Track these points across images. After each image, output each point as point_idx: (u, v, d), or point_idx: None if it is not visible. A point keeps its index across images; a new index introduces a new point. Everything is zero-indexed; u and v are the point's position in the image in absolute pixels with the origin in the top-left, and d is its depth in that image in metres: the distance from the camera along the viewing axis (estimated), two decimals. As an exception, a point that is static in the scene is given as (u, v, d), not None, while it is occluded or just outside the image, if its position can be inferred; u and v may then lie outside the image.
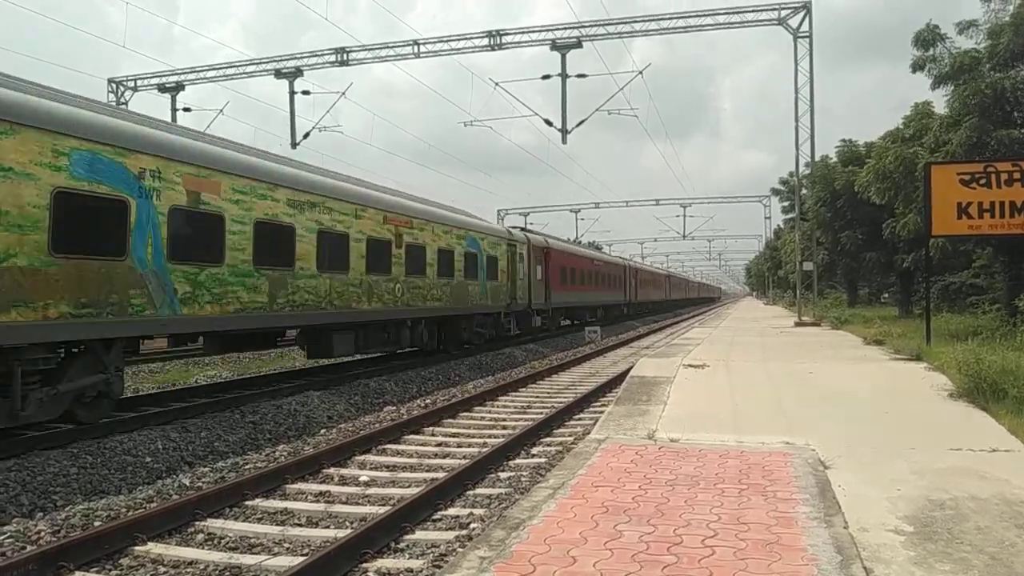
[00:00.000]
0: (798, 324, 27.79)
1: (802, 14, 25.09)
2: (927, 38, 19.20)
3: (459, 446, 9.34)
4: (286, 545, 5.77)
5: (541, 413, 11.34)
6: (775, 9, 25.12)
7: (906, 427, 7.49)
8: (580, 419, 10.86)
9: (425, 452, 9.04)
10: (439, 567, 4.90)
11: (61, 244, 8.07)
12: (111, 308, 8.68)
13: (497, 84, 26.78)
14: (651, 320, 46.16)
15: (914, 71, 19.63)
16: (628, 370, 12.97)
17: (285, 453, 9.00)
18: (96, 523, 6.19)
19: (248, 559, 5.41)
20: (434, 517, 6.33)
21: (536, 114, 26.74)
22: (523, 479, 7.43)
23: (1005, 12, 17.87)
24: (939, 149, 18.81)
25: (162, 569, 5.27)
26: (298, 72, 28.42)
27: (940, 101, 20.53)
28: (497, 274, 21.80)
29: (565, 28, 25.61)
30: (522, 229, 28.83)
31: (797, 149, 27.11)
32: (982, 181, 14.94)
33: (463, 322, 19.81)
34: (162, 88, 30.12)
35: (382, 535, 5.63)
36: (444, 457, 8.75)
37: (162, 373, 16.34)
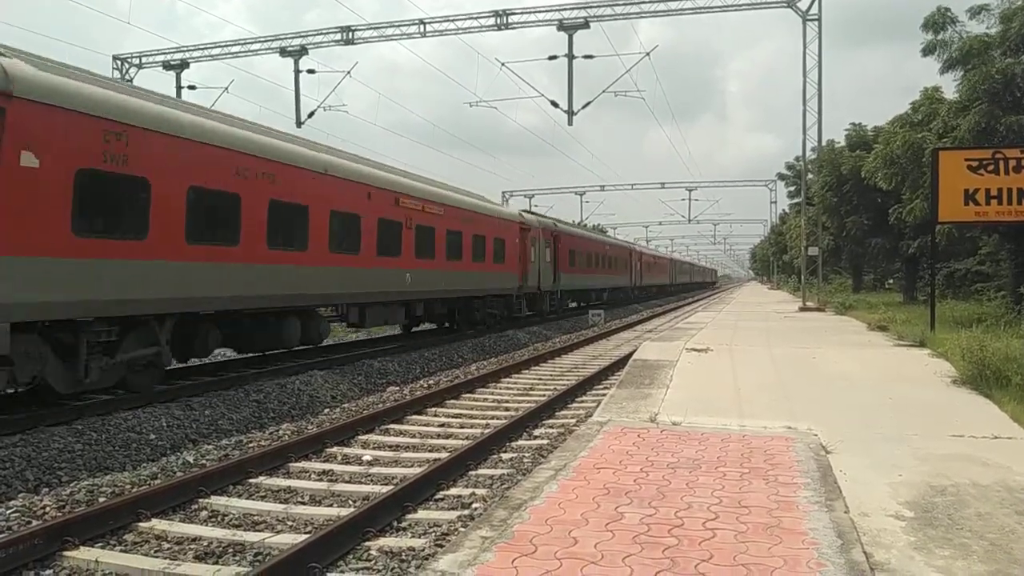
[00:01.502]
0: (802, 309, 27.76)
1: (812, -3, 24.81)
2: (937, 22, 19.00)
3: (462, 427, 9.38)
4: (289, 523, 5.81)
5: (544, 395, 11.37)
6: (785, -9, 24.84)
7: (909, 413, 7.50)
8: (583, 401, 10.89)
9: (428, 432, 9.08)
10: (441, 546, 4.92)
11: None
12: None
13: (503, 64, 26.63)
14: (655, 304, 46.20)
15: (924, 55, 19.46)
16: (631, 353, 12.99)
17: (288, 432, 9.03)
18: (101, 499, 6.23)
19: (251, 536, 5.45)
20: (436, 497, 6.36)
21: (542, 95, 26.56)
22: (525, 460, 7.46)
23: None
24: (947, 134, 18.66)
25: (166, 545, 5.31)
26: (303, 50, 28.18)
27: (949, 86, 20.39)
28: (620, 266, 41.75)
29: (572, 8, 25.33)
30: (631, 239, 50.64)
31: (804, 133, 26.92)
32: (990, 167, 14.85)
33: (621, 292, 40.98)
34: (167, 65, 29.92)
35: (384, 514, 5.67)
36: (447, 437, 8.79)
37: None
